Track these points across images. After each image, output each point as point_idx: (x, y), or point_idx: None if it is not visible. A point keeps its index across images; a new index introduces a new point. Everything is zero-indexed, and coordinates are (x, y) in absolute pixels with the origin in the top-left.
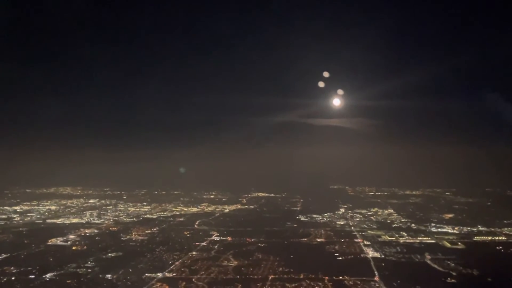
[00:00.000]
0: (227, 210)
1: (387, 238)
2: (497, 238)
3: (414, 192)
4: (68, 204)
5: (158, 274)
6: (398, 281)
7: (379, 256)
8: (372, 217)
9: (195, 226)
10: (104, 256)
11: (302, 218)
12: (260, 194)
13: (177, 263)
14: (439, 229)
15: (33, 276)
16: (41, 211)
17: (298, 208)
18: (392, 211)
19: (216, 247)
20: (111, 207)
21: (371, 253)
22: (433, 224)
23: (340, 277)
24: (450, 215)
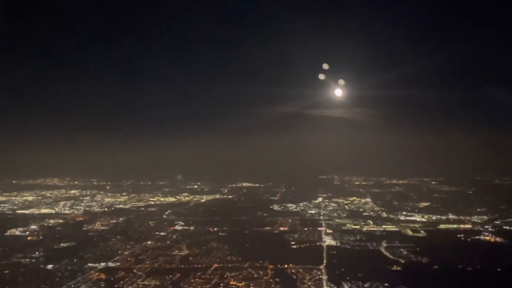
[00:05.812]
0: (203, 200)
1: (351, 226)
2: (462, 226)
3: (400, 181)
4: (47, 195)
5: (101, 264)
6: (342, 269)
7: (335, 244)
8: (346, 206)
9: (164, 216)
10: (55, 246)
11: (276, 208)
12: (244, 184)
13: (126, 252)
14: (408, 218)
15: None
16: (16, 202)
17: (277, 198)
18: (369, 200)
19: (174, 236)
20: (88, 198)
21: (328, 241)
22: (404, 213)
23: (285, 265)
24: (426, 204)
